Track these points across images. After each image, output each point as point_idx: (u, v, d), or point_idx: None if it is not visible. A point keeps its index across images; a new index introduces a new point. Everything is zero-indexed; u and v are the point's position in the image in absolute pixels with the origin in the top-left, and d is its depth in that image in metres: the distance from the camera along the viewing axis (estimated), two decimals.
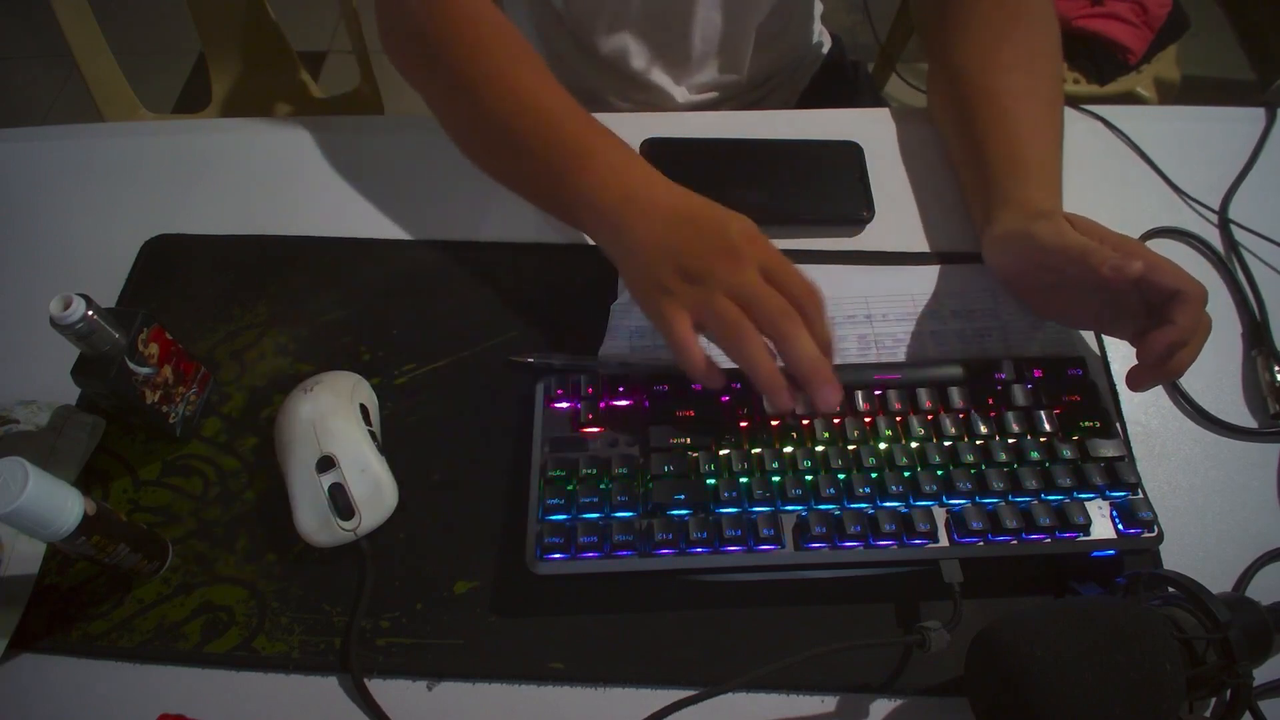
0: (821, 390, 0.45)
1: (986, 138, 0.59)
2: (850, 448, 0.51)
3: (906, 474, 0.50)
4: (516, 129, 0.55)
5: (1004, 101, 0.59)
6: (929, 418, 0.52)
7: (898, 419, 0.52)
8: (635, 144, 0.65)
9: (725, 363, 0.48)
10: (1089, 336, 0.58)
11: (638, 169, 0.53)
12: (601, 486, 0.49)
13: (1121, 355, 0.57)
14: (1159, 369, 0.48)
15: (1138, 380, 0.50)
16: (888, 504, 0.49)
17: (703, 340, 0.51)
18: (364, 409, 0.53)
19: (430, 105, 0.62)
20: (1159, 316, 0.47)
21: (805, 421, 0.51)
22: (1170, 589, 0.44)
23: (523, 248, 0.62)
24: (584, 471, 0.50)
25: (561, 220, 0.57)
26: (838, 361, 0.56)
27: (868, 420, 0.52)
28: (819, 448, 0.51)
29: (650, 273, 0.48)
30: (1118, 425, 0.53)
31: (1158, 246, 0.63)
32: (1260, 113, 0.70)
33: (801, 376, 0.45)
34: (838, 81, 0.90)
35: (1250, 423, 0.55)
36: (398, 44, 0.61)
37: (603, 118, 0.71)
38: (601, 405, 0.52)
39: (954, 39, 0.63)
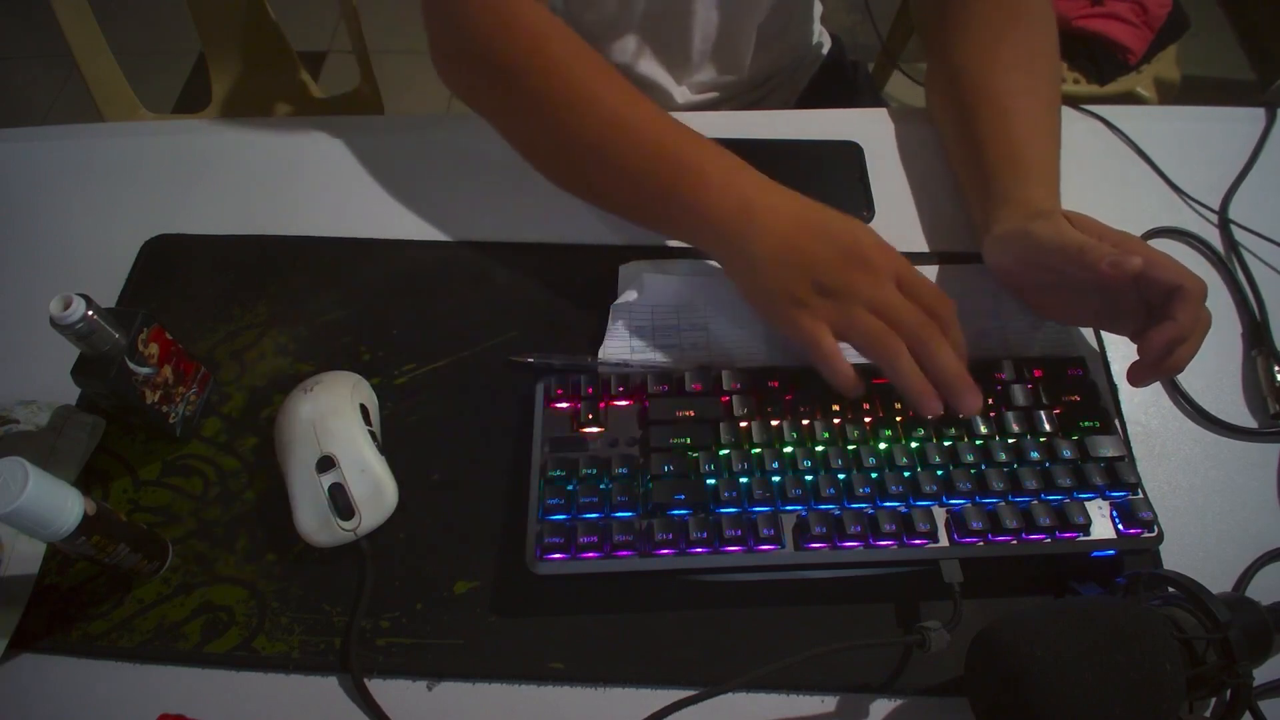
0: (964, 397, 0.47)
1: (985, 137, 0.59)
2: (850, 448, 0.51)
3: (906, 474, 0.50)
4: (610, 149, 0.54)
5: (1003, 101, 0.59)
6: (929, 417, 0.52)
7: (898, 419, 0.52)
8: None
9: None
10: (1089, 336, 0.58)
11: (748, 177, 0.52)
12: (601, 486, 0.49)
13: (1122, 355, 0.57)
14: (1159, 365, 0.48)
15: (1138, 376, 0.50)
16: (888, 504, 0.49)
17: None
18: (364, 409, 0.53)
19: (501, 128, 0.60)
20: (1159, 313, 0.47)
21: (805, 422, 0.51)
22: (1170, 589, 0.44)
23: (523, 248, 0.62)
24: (584, 471, 0.50)
25: (667, 235, 0.56)
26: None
27: (868, 420, 0.52)
28: (819, 448, 0.51)
29: (781, 286, 0.49)
30: (1118, 425, 0.53)
31: (1158, 246, 0.62)
32: (1260, 113, 0.70)
33: (944, 385, 0.47)
34: (838, 81, 0.90)
35: (1250, 423, 0.55)
36: (459, 67, 0.59)
37: None
38: (601, 405, 0.52)
39: (953, 39, 0.63)
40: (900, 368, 0.47)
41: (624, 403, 0.53)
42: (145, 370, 0.49)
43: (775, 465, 0.50)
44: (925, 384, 0.47)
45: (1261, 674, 0.44)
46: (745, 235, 0.50)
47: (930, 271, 0.60)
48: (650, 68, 0.77)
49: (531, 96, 0.55)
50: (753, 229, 0.50)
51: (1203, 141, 0.68)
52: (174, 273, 0.62)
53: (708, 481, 0.49)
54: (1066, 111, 0.62)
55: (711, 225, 0.52)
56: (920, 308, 0.48)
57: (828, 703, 0.46)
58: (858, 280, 0.47)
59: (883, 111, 0.70)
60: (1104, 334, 0.58)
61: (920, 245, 0.62)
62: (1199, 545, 0.51)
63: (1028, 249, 0.53)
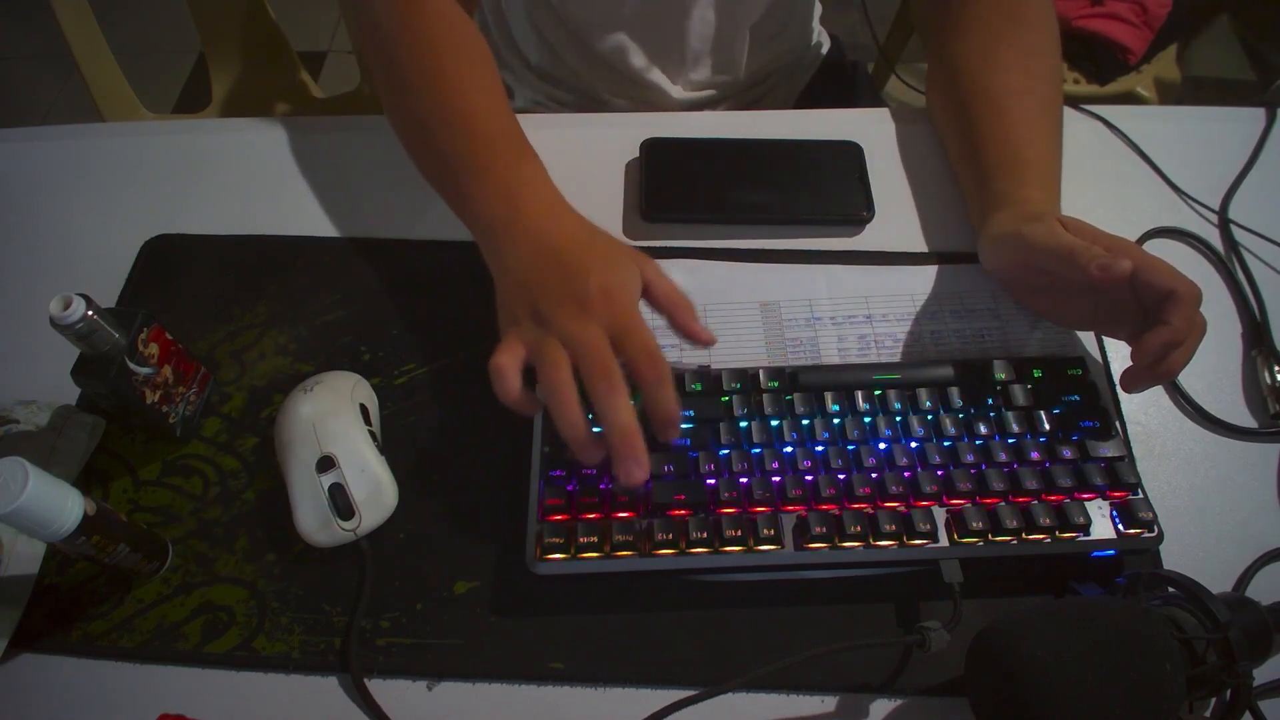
0: (623, 463, 0.42)
1: (983, 137, 0.59)
2: (850, 448, 0.51)
3: (906, 474, 0.50)
4: (434, 128, 0.55)
5: (1001, 101, 0.59)
6: (929, 418, 0.52)
7: (898, 419, 0.52)
8: (635, 143, 0.65)
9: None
10: (1088, 336, 0.58)
11: (533, 190, 0.52)
12: (601, 487, 0.49)
13: (1121, 355, 0.57)
14: (1153, 370, 0.48)
15: (1132, 381, 0.49)
16: (888, 504, 0.49)
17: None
18: (364, 409, 0.53)
19: (380, 99, 0.61)
20: (1153, 318, 0.47)
21: (805, 422, 0.51)
22: (1170, 589, 0.44)
23: None
24: (584, 471, 0.49)
25: (461, 221, 0.56)
26: (837, 361, 0.56)
27: (868, 420, 0.52)
28: (819, 448, 0.51)
29: (509, 303, 0.48)
30: (1118, 425, 0.53)
31: (1158, 246, 0.63)
32: (1260, 113, 0.70)
33: (609, 443, 0.43)
34: (837, 81, 0.90)
35: (1250, 423, 0.55)
36: (361, 37, 0.61)
37: (601, 116, 0.71)
38: None
39: (953, 38, 0.63)
40: (554, 403, 0.44)
41: None
42: (145, 370, 0.49)
43: (775, 465, 0.50)
44: (581, 431, 0.43)
45: (1261, 674, 0.44)
46: (502, 245, 0.50)
47: (930, 271, 0.60)
48: (645, 65, 0.77)
49: (398, 67, 0.57)
50: (508, 240, 0.50)
51: (1203, 141, 0.68)
52: (174, 273, 0.62)
53: (708, 481, 0.49)
54: (1067, 111, 0.62)
55: (482, 224, 0.52)
56: (629, 361, 0.44)
57: (828, 703, 0.46)
58: (563, 314, 0.45)
59: (883, 111, 0.71)
60: (1104, 335, 0.58)
61: (920, 245, 0.62)
62: (1199, 545, 0.51)
63: (1020, 250, 0.53)
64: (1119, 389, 0.51)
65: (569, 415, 0.43)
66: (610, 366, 0.44)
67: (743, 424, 0.51)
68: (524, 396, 0.45)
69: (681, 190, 0.64)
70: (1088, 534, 0.48)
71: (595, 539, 0.47)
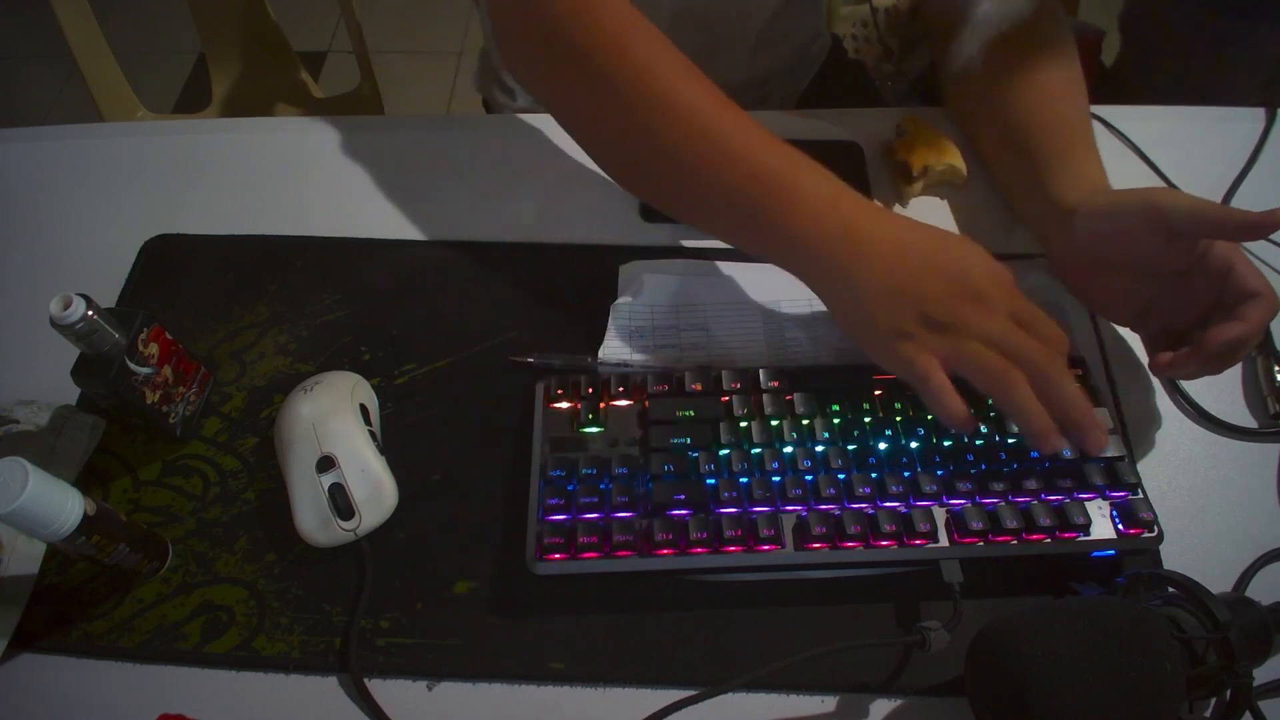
0: (1092, 433, 0.44)
1: (1043, 117, 0.58)
2: (850, 448, 0.51)
3: (906, 474, 0.50)
4: (694, 158, 0.50)
5: (1051, 86, 0.59)
6: (929, 417, 0.52)
7: (898, 419, 0.52)
8: None
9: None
10: (1088, 336, 0.58)
11: (848, 200, 0.48)
12: (601, 486, 0.49)
13: (1121, 355, 0.57)
14: (1217, 358, 0.48)
15: (1180, 364, 0.49)
16: (888, 504, 0.49)
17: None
18: (364, 409, 0.53)
19: (569, 123, 0.56)
20: (1224, 314, 0.48)
21: (805, 422, 0.51)
22: (1170, 589, 0.44)
23: (523, 248, 0.62)
24: (584, 471, 0.50)
25: (754, 255, 0.53)
26: (843, 362, 0.56)
27: (868, 420, 0.52)
28: (819, 448, 0.51)
29: (887, 319, 0.45)
30: (1118, 425, 0.53)
31: None
32: (1260, 113, 0.70)
33: (1072, 421, 0.44)
34: (837, 81, 0.90)
35: (1250, 423, 0.55)
36: (529, 51, 0.55)
37: None
38: (601, 405, 0.52)
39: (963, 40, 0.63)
40: (1021, 404, 0.43)
41: (624, 403, 0.53)
42: (145, 370, 0.49)
43: (775, 465, 0.50)
44: (1048, 420, 0.43)
45: (1261, 674, 0.44)
46: (847, 266, 0.46)
47: None
48: None
49: (611, 92, 0.51)
50: (855, 260, 0.46)
51: (1203, 141, 0.68)
52: (174, 273, 0.62)
53: (708, 481, 0.49)
54: None
55: (808, 251, 0.48)
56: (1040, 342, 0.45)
57: (828, 703, 0.46)
58: (969, 313, 0.44)
59: (883, 111, 0.70)
60: (1103, 334, 0.58)
61: None
62: (1199, 545, 0.51)
63: (1149, 218, 0.49)
64: (1122, 387, 0.50)
65: (1038, 411, 0.43)
66: (1048, 350, 0.44)
67: (743, 424, 0.51)
68: (969, 414, 0.44)
69: None
70: (1088, 534, 0.48)
71: (595, 539, 0.47)
